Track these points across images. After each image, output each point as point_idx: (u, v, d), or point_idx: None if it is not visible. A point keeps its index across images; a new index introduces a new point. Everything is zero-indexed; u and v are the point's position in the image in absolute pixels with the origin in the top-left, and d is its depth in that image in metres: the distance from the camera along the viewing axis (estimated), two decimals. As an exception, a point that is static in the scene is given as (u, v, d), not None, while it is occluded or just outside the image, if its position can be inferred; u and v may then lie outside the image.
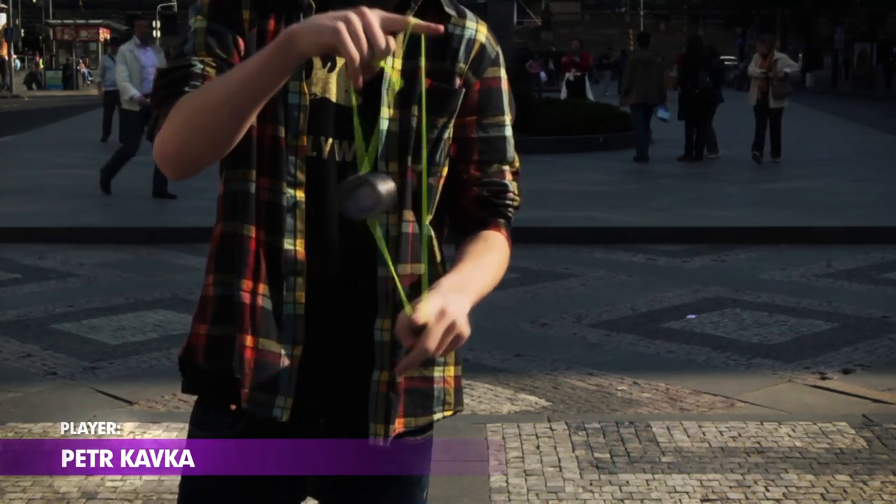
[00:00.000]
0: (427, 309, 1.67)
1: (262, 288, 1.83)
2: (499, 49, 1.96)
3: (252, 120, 1.71)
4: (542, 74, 24.81)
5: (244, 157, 1.83)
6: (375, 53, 1.56)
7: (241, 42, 1.81)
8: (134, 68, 12.17)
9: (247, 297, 1.84)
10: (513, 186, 1.98)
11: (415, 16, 1.84)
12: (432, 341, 1.66)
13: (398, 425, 1.88)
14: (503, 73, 1.96)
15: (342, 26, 1.55)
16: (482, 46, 1.92)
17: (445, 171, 1.93)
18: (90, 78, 52.25)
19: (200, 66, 1.77)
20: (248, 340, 1.84)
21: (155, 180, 11.95)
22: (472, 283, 1.81)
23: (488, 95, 1.93)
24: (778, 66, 15.40)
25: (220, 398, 1.87)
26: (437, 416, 1.94)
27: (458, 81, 1.89)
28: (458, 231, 1.98)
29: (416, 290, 1.83)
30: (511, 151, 1.98)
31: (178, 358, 1.96)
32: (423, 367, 1.89)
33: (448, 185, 1.93)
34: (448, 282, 1.78)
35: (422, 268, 1.86)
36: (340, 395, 1.87)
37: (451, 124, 1.90)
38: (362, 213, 1.71)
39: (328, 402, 1.88)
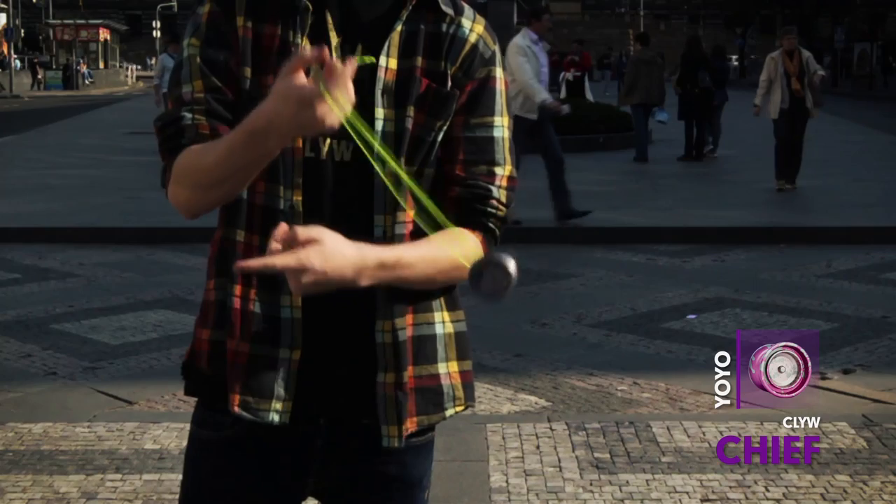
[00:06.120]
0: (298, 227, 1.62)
1: (255, 293, 1.83)
2: (495, 48, 1.91)
3: (253, 175, 1.73)
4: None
5: None
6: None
7: (235, 62, 1.82)
8: (535, 67, 10.09)
9: (238, 303, 1.84)
10: (498, 193, 1.88)
11: (410, 15, 1.84)
12: (280, 259, 1.61)
13: (410, 425, 1.87)
14: (499, 73, 1.90)
15: (318, 118, 1.57)
16: (473, 46, 1.88)
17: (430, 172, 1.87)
18: (89, 79, 52.27)
19: (190, 116, 1.80)
20: (240, 345, 1.84)
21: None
22: (389, 251, 1.73)
23: (478, 95, 1.88)
24: (810, 66, 12.54)
25: (222, 402, 1.86)
26: (449, 411, 1.92)
27: (449, 83, 1.86)
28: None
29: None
30: (502, 154, 1.89)
31: (182, 363, 1.95)
32: (426, 364, 1.88)
33: (433, 187, 1.86)
34: (368, 247, 1.70)
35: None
36: (343, 396, 1.86)
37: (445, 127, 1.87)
38: (495, 295, 1.67)
39: (331, 404, 1.87)
